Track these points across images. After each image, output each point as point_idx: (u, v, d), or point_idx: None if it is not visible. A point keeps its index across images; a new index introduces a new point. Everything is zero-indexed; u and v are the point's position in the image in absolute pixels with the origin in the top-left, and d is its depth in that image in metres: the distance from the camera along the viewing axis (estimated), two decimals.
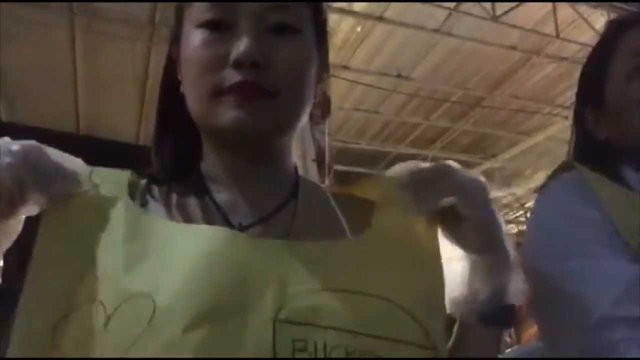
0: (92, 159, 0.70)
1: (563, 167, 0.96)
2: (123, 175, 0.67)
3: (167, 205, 0.68)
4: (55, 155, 0.62)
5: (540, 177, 8.90)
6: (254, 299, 0.55)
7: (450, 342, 0.67)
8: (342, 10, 4.79)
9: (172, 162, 0.71)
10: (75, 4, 4.07)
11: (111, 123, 4.72)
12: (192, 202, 0.67)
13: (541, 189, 0.95)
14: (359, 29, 5.21)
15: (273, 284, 0.56)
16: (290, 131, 0.69)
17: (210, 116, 0.64)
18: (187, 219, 0.66)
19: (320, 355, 0.54)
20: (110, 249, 0.59)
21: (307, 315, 0.55)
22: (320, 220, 0.70)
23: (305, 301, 0.56)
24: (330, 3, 4.20)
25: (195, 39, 0.64)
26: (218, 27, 0.64)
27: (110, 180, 0.65)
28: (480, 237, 0.64)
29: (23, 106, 4.59)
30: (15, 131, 0.68)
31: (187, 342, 0.52)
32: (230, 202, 0.67)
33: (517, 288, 0.66)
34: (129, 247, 0.59)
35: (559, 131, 6.98)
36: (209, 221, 0.65)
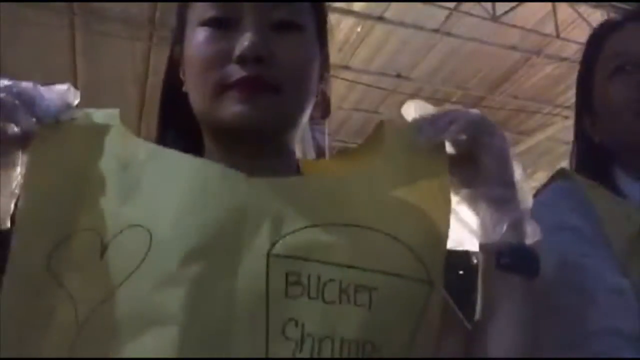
0: None
1: (557, 176, 0.97)
2: (115, 111, 0.68)
3: None
4: (45, 86, 0.63)
5: (540, 177, 8.90)
6: (249, 234, 0.56)
7: (479, 299, 0.64)
8: (342, 10, 4.79)
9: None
10: (75, 3, 4.07)
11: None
12: None
13: (534, 197, 0.95)
14: (359, 29, 5.21)
15: (269, 220, 0.56)
16: (293, 127, 0.69)
17: (215, 112, 0.64)
18: None
19: (314, 288, 0.54)
20: (104, 175, 0.59)
21: (301, 249, 0.55)
22: None
23: (301, 236, 0.56)
24: (330, 3, 4.20)
25: (198, 36, 0.65)
26: (221, 25, 0.64)
27: (102, 111, 0.66)
28: (496, 165, 0.65)
29: None
30: None
31: (182, 276, 0.52)
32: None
33: (533, 230, 0.64)
34: (124, 175, 0.59)
35: (558, 131, 6.98)
36: None
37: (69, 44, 4.36)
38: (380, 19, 4.98)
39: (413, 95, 6.25)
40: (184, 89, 0.69)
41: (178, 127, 0.73)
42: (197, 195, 0.57)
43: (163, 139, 0.73)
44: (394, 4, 4.78)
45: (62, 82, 0.72)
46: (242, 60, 0.62)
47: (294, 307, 0.53)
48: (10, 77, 0.62)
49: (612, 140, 0.95)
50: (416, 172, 0.65)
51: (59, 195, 0.59)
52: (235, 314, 0.53)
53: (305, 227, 0.57)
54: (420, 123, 0.68)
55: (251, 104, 0.62)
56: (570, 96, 6.43)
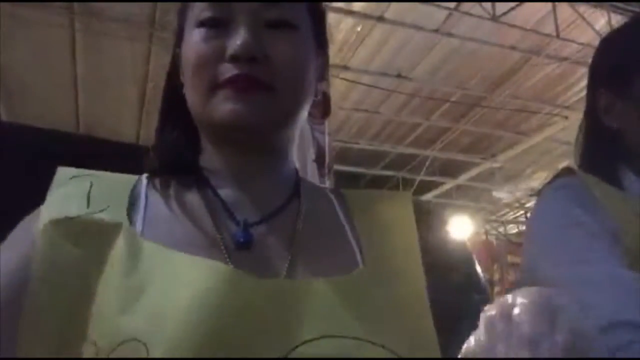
0: (92, 159, 0.70)
1: (562, 173, 0.95)
2: (123, 191, 0.66)
3: (166, 197, 0.67)
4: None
5: (540, 177, 8.91)
6: (255, 350, 0.53)
7: None
8: (342, 10, 4.78)
9: (172, 156, 0.71)
10: (75, 3, 4.07)
11: (111, 123, 4.72)
12: (194, 197, 0.67)
13: (540, 193, 0.95)
14: (358, 29, 5.20)
15: (275, 333, 0.54)
16: (288, 126, 0.69)
17: (208, 110, 0.64)
18: (190, 214, 0.65)
19: None
20: (107, 283, 0.57)
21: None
22: (323, 220, 0.70)
23: (309, 350, 0.54)
24: (330, 3, 4.20)
25: (194, 37, 0.65)
26: (215, 25, 0.64)
27: (111, 200, 0.64)
28: None
29: (23, 106, 4.59)
30: (15, 131, 0.68)
31: None
32: (232, 197, 0.67)
33: None
34: (126, 283, 0.56)
35: (558, 131, 6.98)
36: (213, 217, 0.64)
37: (69, 44, 4.36)
38: (380, 19, 4.98)
39: (413, 95, 6.26)
40: (183, 91, 0.69)
41: (177, 124, 0.72)
42: (199, 307, 0.54)
43: (162, 135, 0.73)
44: (393, 4, 4.78)
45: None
46: (234, 59, 0.62)
47: None
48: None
49: (631, 135, 0.91)
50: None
51: (61, 302, 0.56)
52: None
53: (321, 337, 0.55)
54: None
55: (243, 102, 0.62)
56: (571, 96, 6.45)
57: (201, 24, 0.65)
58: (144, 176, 0.70)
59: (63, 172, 0.68)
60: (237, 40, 0.62)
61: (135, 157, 0.75)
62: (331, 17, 4.17)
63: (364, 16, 4.99)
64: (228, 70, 0.62)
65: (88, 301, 0.56)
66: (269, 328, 0.54)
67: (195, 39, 0.65)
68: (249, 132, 0.65)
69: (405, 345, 0.58)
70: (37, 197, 0.70)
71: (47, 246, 0.58)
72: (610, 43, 0.97)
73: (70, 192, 0.64)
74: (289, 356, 0.52)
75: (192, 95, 0.66)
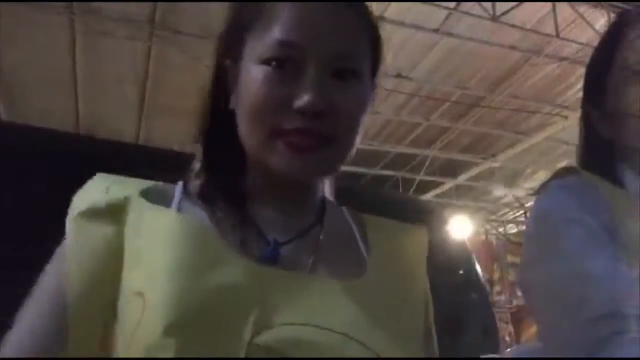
0: (92, 159, 0.70)
1: (564, 170, 0.96)
2: (140, 187, 0.68)
3: (200, 206, 0.69)
4: None
5: (540, 177, 8.90)
6: (235, 319, 0.56)
7: None
8: None
9: (220, 178, 0.71)
10: (75, 4, 4.07)
11: (111, 123, 4.72)
12: (230, 213, 0.68)
13: (540, 191, 0.95)
14: None
15: (259, 309, 0.57)
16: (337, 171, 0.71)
17: (265, 156, 0.64)
18: (223, 229, 0.66)
19: None
20: (123, 246, 0.62)
21: (282, 345, 0.56)
22: (340, 244, 0.72)
23: (285, 333, 0.57)
24: None
25: (259, 75, 0.63)
26: (282, 66, 0.63)
27: (121, 186, 0.67)
28: None
29: (23, 106, 4.59)
30: (15, 131, 0.68)
31: (165, 347, 0.54)
32: (267, 218, 0.68)
33: None
34: (135, 241, 0.62)
35: (559, 131, 6.98)
36: (244, 235, 0.66)
37: (69, 44, 4.36)
38: (381, 19, 4.98)
39: (413, 95, 6.25)
40: (231, 106, 0.69)
41: (224, 143, 0.71)
42: (193, 264, 0.59)
43: (209, 155, 0.72)
44: (394, 4, 4.78)
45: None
46: (301, 113, 0.62)
47: None
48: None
49: (622, 140, 0.93)
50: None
51: (98, 274, 0.62)
52: None
53: (292, 324, 0.58)
54: None
55: (303, 159, 0.63)
56: (571, 96, 6.44)
57: (265, 62, 0.63)
58: (179, 184, 0.71)
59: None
60: (306, 94, 0.61)
61: (135, 157, 0.74)
62: None
63: None
64: (292, 121, 0.62)
65: (113, 266, 0.61)
66: (252, 303, 0.57)
67: (260, 78, 0.63)
68: (301, 183, 0.68)
69: (390, 348, 0.60)
70: (36, 197, 0.69)
71: (73, 233, 0.63)
72: (590, 60, 0.99)
73: (90, 187, 0.68)
74: (264, 332, 0.56)
75: (249, 133, 0.65)
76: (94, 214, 0.63)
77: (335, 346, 0.57)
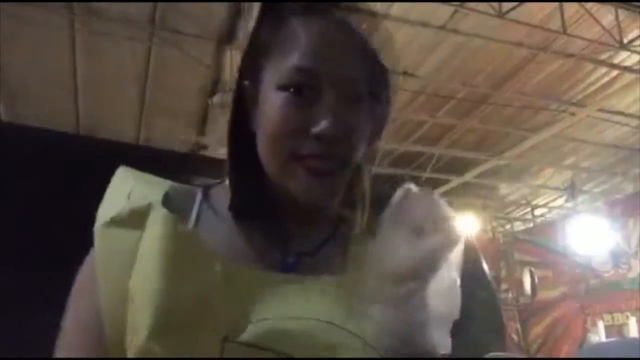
0: (92, 159, 0.71)
1: None
2: (160, 190, 0.70)
3: (219, 215, 0.71)
4: None
5: (546, 174, 8.88)
6: (212, 318, 0.59)
7: None
8: (347, 9, 4.74)
9: (246, 197, 0.72)
10: (75, 3, 4.06)
11: (111, 123, 4.73)
12: (252, 227, 0.70)
13: None
14: (364, 27, 5.16)
15: (236, 307, 0.60)
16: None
17: (285, 179, 0.66)
18: (245, 243, 0.69)
19: None
20: (132, 253, 0.65)
21: (259, 339, 0.59)
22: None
23: (262, 326, 0.59)
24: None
25: (277, 100, 0.66)
26: (300, 92, 0.65)
27: (143, 188, 0.70)
28: None
29: (23, 106, 4.59)
30: (15, 131, 0.67)
31: (149, 351, 0.58)
32: (285, 233, 0.71)
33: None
34: (137, 246, 0.65)
35: (566, 128, 6.94)
36: (264, 248, 0.69)
37: (69, 44, 4.35)
38: (386, 16, 4.94)
39: (419, 93, 6.22)
40: (252, 127, 0.71)
41: (247, 163, 0.72)
42: (177, 271, 0.62)
43: (235, 176, 0.73)
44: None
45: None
46: (318, 138, 0.64)
47: None
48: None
49: None
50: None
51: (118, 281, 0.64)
52: None
53: (266, 319, 0.60)
54: None
55: (321, 182, 0.65)
56: (578, 92, 6.40)
57: (284, 87, 0.66)
58: (198, 190, 0.74)
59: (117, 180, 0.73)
60: (323, 120, 0.64)
61: (135, 157, 0.77)
62: None
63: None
64: (309, 146, 0.64)
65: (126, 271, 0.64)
66: (229, 303, 0.60)
67: (278, 104, 0.66)
68: (317, 206, 0.69)
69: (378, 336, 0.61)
70: (37, 197, 0.71)
71: (99, 244, 0.66)
72: None
73: (112, 193, 0.71)
74: (231, 335, 0.58)
75: (269, 155, 0.68)
76: (117, 223, 0.66)
77: (316, 334, 0.59)
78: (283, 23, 0.69)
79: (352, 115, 0.66)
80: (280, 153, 0.66)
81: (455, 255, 0.61)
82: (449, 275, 0.60)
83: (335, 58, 0.66)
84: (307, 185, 0.65)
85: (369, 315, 0.60)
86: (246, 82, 0.71)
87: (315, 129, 0.64)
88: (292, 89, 0.65)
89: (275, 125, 0.65)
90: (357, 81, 0.67)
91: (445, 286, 0.61)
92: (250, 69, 0.71)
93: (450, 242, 0.61)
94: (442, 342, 0.60)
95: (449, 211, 0.63)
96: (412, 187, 0.67)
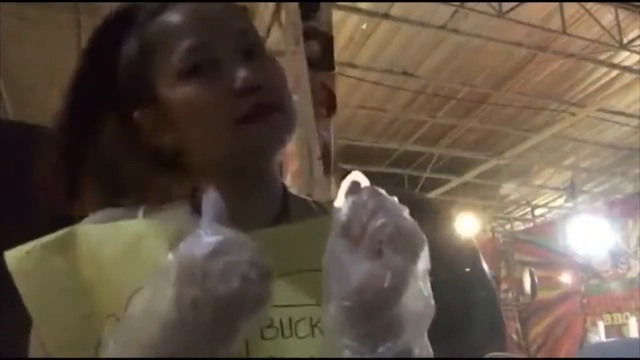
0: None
1: None
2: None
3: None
4: None
5: (546, 174, 8.89)
6: None
7: None
8: (347, 8, 4.78)
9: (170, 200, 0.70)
10: (80, 3, 4.08)
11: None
12: (187, 219, 0.66)
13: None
14: (364, 27, 5.20)
15: None
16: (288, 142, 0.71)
17: (237, 147, 0.65)
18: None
19: (287, 328, 0.59)
20: (112, 269, 0.62)
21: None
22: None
23: None
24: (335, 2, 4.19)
25: (187, 88, 0.65)
26: (202, 69, 0.65)
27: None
28: None
29: (29, 105, 4.60)
30: (21, 130, 0.68)
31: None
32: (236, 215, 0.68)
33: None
34: (92, 270, 0.62)
35: (566, 128, 6.97)
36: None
37: (75, 43, 4.37)
38: (386, 16, 4.98)
39: (419, 93, 6.25)
40: (165, 144, 0.68)
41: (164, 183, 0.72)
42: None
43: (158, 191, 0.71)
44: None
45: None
46: (245, 92, 0.64)
47: (271, 347, 0.58)
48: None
49: None
50: None
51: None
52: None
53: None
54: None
55: (271, 127, 0.65)
56: (578, 92, 6.42)
57: (185, 74, 0.65)
58: (140, 210, 0.70)
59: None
60: (240, 74, 0.64)
61: None
62: (337, 15, 4.16)
63: (370, 13, 4.98)
64: (244, 104, 0.64)
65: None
66: None
67: (191, 90, 0.65)
68: (270, 155, 0.69)
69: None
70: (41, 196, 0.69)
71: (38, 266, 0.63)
72: None
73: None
74: None
75: (208, 141, 0.66)
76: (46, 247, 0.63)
77: (318, 281, 0.56)
78: (147, 29, 0.69)
79: (258, 62, 0.67)
80: (219, 129, 0.65)
81: (422, 261, 0.55)
82: (415, 285, 0.54)
83: (214, 23, 0.68)
84: (262, 135, 0.65)
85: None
86: (136, 113, 0.69)
87: (239, 85, 0.64)
88: (195, 71, 0.65)
89: (201, 108, 0.65)
90: (244, 33, 0.68)
91: (414, 291, 0.54)
92: (142, 92, 0.69)
93: (413, 254, 0.54)
94: (420, 346, 0.56)
95: (404, 212, 0.56)
96: (362, 180, 0.60)
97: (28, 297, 0.61)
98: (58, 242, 0.63)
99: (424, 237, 0.56)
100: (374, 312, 0.52)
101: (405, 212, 0.56)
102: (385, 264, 0.52)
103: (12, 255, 0.63)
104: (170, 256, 0.50)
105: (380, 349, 0.52)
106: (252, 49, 0.68)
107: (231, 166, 0.69)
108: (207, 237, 0.50)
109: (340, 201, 0.58)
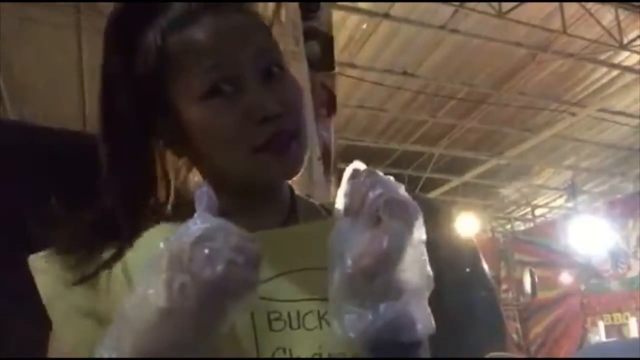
0: (99, 158, 0.71)
1: None
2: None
3: None
4: None
5: (546, 174, 8.90)
6: None
7: None
8: (347, 8, 4.78)
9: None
10: (81, 3, 4.08)
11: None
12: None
13: None
14: (364, 27, 5.20)
15: None
16: None
17: (253, 173, 0.67)
18: None
19: (295, 320, 0.61)
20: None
21: (277, 293, 0.61)
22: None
23: (276, 283, 0.62)
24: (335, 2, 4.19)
25: (207, 110, 0.65)
26: (223, 90, 0.65)
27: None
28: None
29: (30, 105, 4.60)
30: (22, 130, 0.68)
31: None
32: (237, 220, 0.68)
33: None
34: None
35: (566, 128, 6.97)
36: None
37: (75, 43, 4.37)
38: (386, 16, 4.98)
39: (419, 93, 6.25)
40: (181, 155, 0.71)
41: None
42: None
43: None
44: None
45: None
46: (266, 120, 0.64)
47: (279, 338, 0.59)
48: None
49: None
50: None
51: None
52: (227, 347, 0.57)
53: (278, 275, 0.63)
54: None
55: (287, 157, 0.66)
56: (578, 92, 6.43)
57: (206, 96, 0.65)
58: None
59: None
60: (261, 101, 0.64)
61: None
62: (337, 15, 4.17)
63: (370, 13, 4.99)
64: (263, 132, 0.64)
65: None
66: None
67: (210, 113, 0.65)
68: (282, 182, 0.71)
69: None
70: (44, 196, 0.69)
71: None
72: None
73: None
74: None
75: (226, 162, 0.67)
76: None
77: (319, 279, 0.59)
78: (168, 41, 0.67)
79: (279, 85, 0.67)
80: (238, 153, 0.65)
81: (418, 231, 0.57)
82: (413, 251, 0.56)
83: (236, 41, 0.66)
84: (278, 167, 0.66)
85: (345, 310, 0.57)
86: (159, 121, 0.69)
87: (259, 114, 0.64)
88: (215, 92, 0.65)
89: (221, 134, 0.65)
90: (266, 52, 0.68)
91: (411, 260, 0.56)
92: (157, 100, 0.69)
93: (409, 220, 0.56)
94: (422, 317, 0.57)
95: (399, 188, 0.59)
96: (359, 165, 0.63)
97: (48, 300, 0.63)
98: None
99: (420, 209, 0.58)
100: (373, 276, 0.54)
101: (401, 187, 0.59)
102: (382, 229, 0.54)
103: (35, 259, 0.65)
104: (161, 245, 0.52)
105: (381, 307, 0.54)
106: (273, 69, 0.67)
107: (243, 189, 0.70)
108: (195, 226, 0.51)
109: (343, 187, 0.61)
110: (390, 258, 0.55)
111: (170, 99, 0.68)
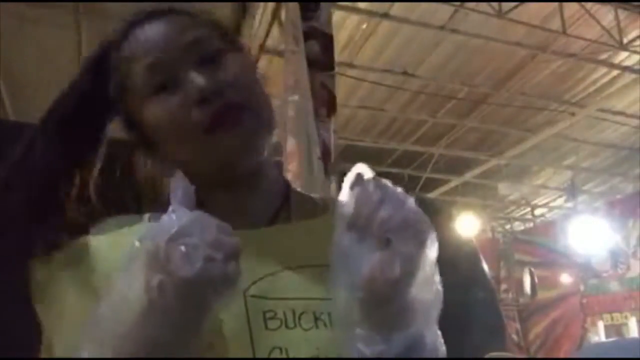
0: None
1: None
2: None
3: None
4: None
5: (546, 174, 8.90)
6: None
7: None
8: (347, 8, 4.78)
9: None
10: (81, 3, 4.08)
11: (117, 121, 4.72)
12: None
13: None
14: (364, 27, 5.20)
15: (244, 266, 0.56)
16: (269, 140, 0.71)
17: (212, 152, 0.66)
18: None
19: (290, 320, 0.59)
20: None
21: (272, 291, 0.60)
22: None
23: (271, 281, 0.61)
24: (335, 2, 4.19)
25: (155, 106, 0.67)
26: (164, 85, 0.66)
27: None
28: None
29: (30, 105, 4.60)
30: (23, 130, 0.69)
31: None
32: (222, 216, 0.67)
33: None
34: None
35: (565, 128, 6.97)
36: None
37: (74, 43, 4.37)
38: (386, 16, 4.98)
39: (419, 93, 6.25)
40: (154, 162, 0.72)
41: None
42: None
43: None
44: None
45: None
46: (204, 99, 0.64)
47: (275, 337, 0.58)
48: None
49: None
50: None
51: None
52: (222, 346, 0.57)
53: (271, 273, 0.62)
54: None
55: (240, 129, 0.65)
56: (577, 92, 6.43)
57: (151, 92, 0.66)
58: (146, 216, 0.71)
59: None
60: (193, 82, 0.64)
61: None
62: (336, 15, 4.17)
63: (370, 13, 4.98)
64: (206, 112, 0.64)
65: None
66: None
67: (158, 108, 0.66)
68: (248, 158, 0.68)
69: None
70: None
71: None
72: None
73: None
74: (248, 290, 0.59)
75: (184, 153, 0.67)
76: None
77: (315, 277, 0.60)
78: (120, 53, 0.70)
79: (219, 66, 0.67)
80: (194, 141, 0.65)
81: (430, 249, 0.55)
82: (424, 271, 0.55)
83: (169, 39, 0.68)
84: (231, 138, 0.65)
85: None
86: (129, 135, 0.72)
87: (196, 94, 0.64)
88: (158, 90, 0.66)
89: (169, 126, 0.66)
90: (200, 42, 0.68)
91: (423, 280, 0.55)
92: (127, 116, 0.71)
93: (421, 241, 0.54)
94: (431, 340, 0.56)
95: (408, 201, 0.56)
96: (365, 172, 0.60)
97: (41, 306, 0.63)
98: (70, 255, 0.64)
99: (431, 224, 0.56)
100: (385, 301, 0.53)
101: (411, 201, 0.56)
102: (394, 253, 0.52)
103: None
104: (136, 243, 0.51)
105: (395, 337, 0.53)
106: (208, 56, 0.68)
107: (213, 176, 0.69)
108: (171, 221, 0.51)
109: (345, 193, 0.58)
110: (402, 283, 0.53)
111: (130, 108, 0.69)
